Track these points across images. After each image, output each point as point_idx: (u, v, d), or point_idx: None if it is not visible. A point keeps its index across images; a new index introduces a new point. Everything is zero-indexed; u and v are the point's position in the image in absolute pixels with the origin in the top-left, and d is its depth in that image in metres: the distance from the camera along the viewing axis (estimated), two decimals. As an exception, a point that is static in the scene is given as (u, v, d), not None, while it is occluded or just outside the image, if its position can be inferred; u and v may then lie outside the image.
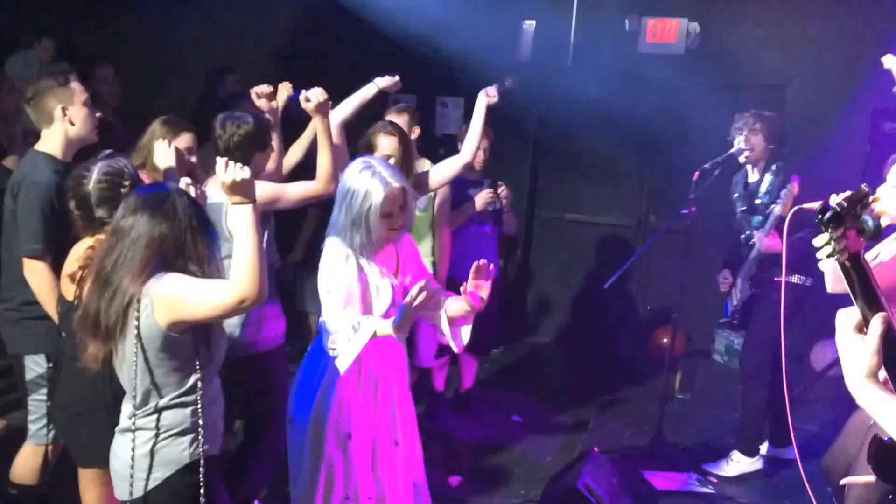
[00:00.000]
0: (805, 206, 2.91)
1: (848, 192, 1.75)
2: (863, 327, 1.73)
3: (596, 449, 4.54)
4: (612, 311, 7.21)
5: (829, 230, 1.72)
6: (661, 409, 5.40)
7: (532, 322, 7.91)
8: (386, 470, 3.43)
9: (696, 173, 4.97)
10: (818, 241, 1.74)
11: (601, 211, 7.59)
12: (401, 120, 5.00)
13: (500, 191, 5.37)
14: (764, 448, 5.29)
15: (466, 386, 5.88)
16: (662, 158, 7.17)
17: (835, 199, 1.75)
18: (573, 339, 7.61)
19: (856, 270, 1.73)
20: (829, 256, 1.74)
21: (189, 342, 2.56)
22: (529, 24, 6.83)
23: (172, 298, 2.49)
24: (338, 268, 3.24)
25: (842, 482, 2.54)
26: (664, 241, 5.47)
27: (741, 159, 5.01)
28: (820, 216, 1.73)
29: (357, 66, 7.02)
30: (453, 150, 4.93)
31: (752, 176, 5.10)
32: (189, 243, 2.56)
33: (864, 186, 1.75)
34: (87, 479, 3.24)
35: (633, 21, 6.68)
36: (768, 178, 4.96)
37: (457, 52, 6.38)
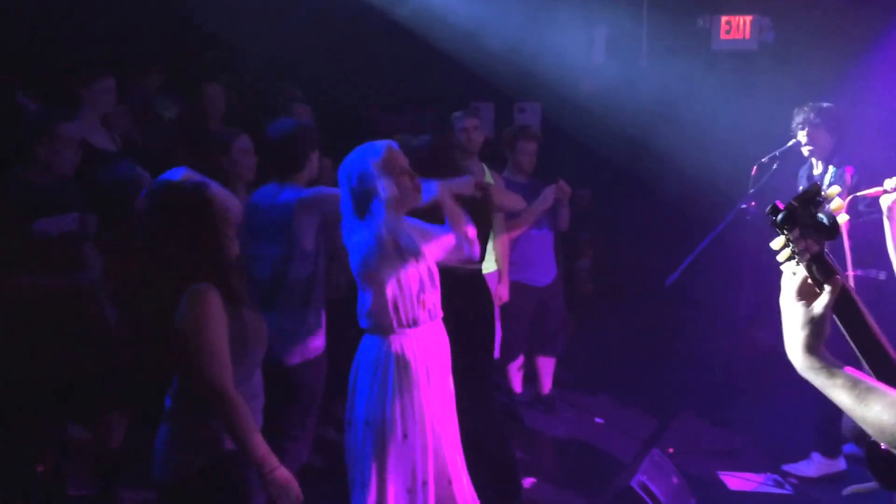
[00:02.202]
0: (860, 193, 2.86)
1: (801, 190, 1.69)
2: (811, 292, 1.59)
3: (671, 450, 4.55)
4: (680, 308, 7.11)
5: (785, 232, 1.60)
6: (740, 407, 5.34)
7: (603, 320, 7.86)
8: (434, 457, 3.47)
9: (755, 168, 4.92)
10: (775, 244, 1.64)
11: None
12: (472, 125, 5.13)
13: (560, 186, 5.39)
14: (847, 448, 5.15)
15: (546, 388, 5.96)
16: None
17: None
18: (645, 338, 7.51)
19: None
20: (788, 260, 1.63)
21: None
22: (601, 28, 6.87)
23: None
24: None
25: (845, 492, 2.42)
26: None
27: (804, 152, 4.93)
28: (773, 218, 1.61)
29: (433, 76, 7.27)
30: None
31: (817, 168, 4.99)
32: None
33: (816, 183, 1.67)
34: None
35: (705, 19, 6.64)
36: (832, 169, 4.86)
37: (533, 58, 6.48)
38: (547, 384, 5.95)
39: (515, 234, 5.37)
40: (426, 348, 3.48)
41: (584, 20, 6.89)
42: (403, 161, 3.41)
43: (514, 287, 5.46)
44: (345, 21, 7.10)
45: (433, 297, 3.51)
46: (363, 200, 3.37)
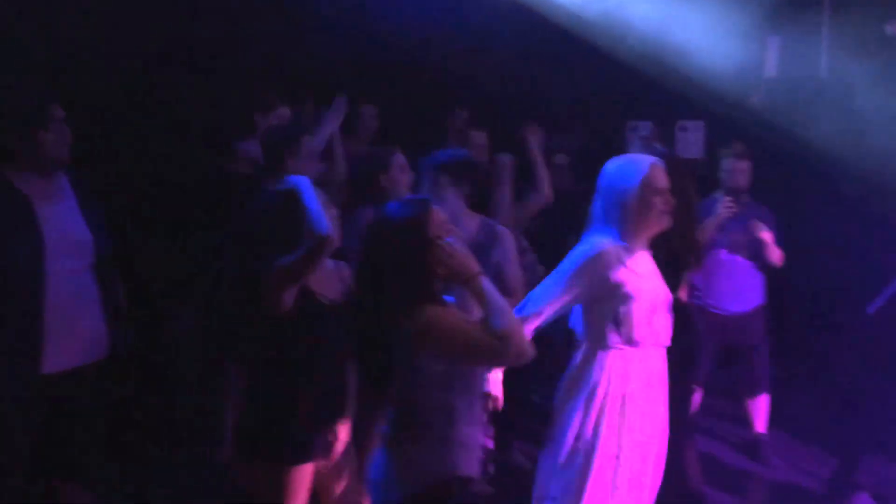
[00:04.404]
0: None
1: None
2: None
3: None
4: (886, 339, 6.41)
5: None
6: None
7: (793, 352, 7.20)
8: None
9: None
10: None
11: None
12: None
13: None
14: None
15: (759, 429, 5.48)
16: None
17: None
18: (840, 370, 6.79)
19: None
20: None
21: None
22: (774, 38, 6.37)
23: None
24: None
25: None
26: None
27: None
28: None
29: (592, 93, 6.93)
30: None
31: None
32: None
33: None
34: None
35: (894, 25, 6.05)
36: None
37: (695, 73, 6.09)
38: (760, 424, 5.45)
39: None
40: (645, 371, 3.25)
41: (754, 30, 6.43)
42: (663, 182, 3.22)
43: (699, 311, 5.03)
44: (514, 40, 6.86)
45: (663, 322, 3.29)
46: (610, 211, 3.24)
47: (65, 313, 3.38)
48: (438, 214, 2.61)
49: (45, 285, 3.32)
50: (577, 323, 3.31)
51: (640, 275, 3.22)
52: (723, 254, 5.13)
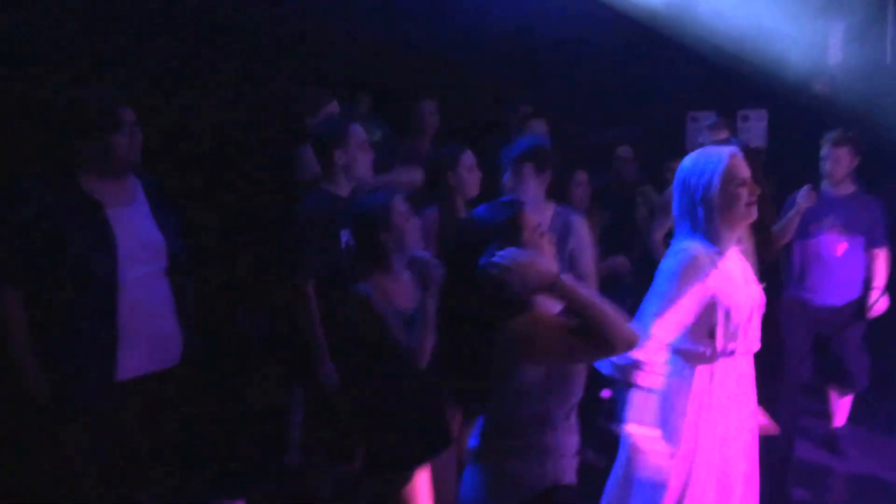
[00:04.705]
0: None
1: None
2: None
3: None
4: None
5: None
6: None
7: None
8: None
9: None
10: None
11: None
12: (723, 135, 4.77)
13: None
14: None
15: (838, 423, 5.35)
16: None
17: None
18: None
19: None
20: None
21: None
22: (837, 23, 6.19)
23: None
24: None
25: None
26: None
27: None
28: None
29: (652, 83, 6.78)
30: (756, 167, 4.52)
31: None
32: None
33: None
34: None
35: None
36: None
37: (757, 61, 5.93)
38: (840, 419, 5.32)
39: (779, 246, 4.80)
40: (736, 380, 3.12)
41: (816, 14, 6.25)
42: (745, 171, 3.06)
43: (788, 303, 4.92)
44: (571, 29, 6.73)
45: (756, 327, 3.14)
46: (693, 209, 3.07)
47: (139, 319, 3.34)
48: (530, 217, 2.52)
49: (118, 291, 3.28)
50: None
51: (735, 281, 3.08)
52: (820, 244, 4.99)
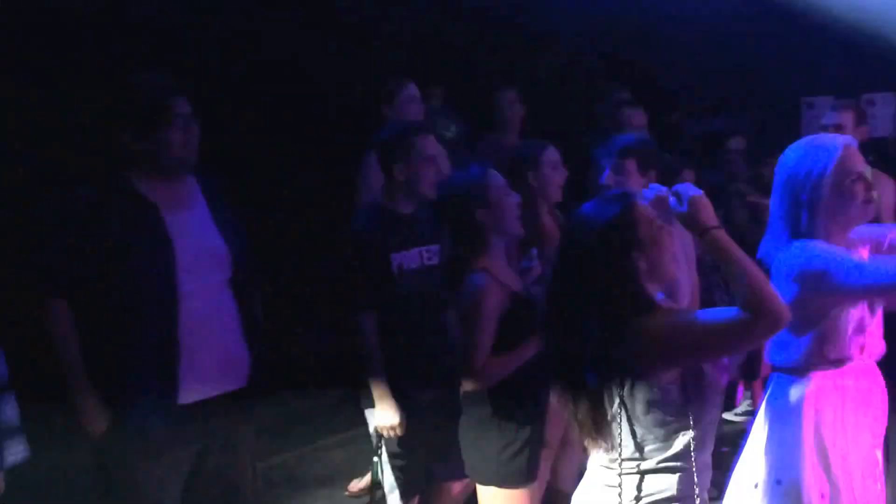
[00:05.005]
0: None
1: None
2: None
3: None
4: None
5: None
6: None
7: None
8: None
9: None
10: None
11: None
12: (846, 119, 4.39)
13: None
14: None
15: None
16: None
17: None
18: None
19: None
20: None
21: None
22: None
23: None
24: None
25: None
26: None
27: None
28: None
29: (764, 67, 6.25)
30: (883, 158, 4.04)
31: None
32: None
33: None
34: None
35: None
36: None
37: (882, 38, 5.41)
38: None
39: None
40: (859, 391, 2.88)
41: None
42: (860, 164, 2.79)
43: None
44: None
45: (876, 330, 2.90)
46: (796, 210, 2.82)
47: (201, 335, 3.00)
48: (646, 211, 2.25)
49: (179, 304, 2.96)
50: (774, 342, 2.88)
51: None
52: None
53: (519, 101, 5.64)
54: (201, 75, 4.67)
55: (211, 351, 3.03)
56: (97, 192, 3.00)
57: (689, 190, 2.21)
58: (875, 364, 2.96)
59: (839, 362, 2.84)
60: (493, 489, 3.05)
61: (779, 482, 2.85)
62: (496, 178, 3.10)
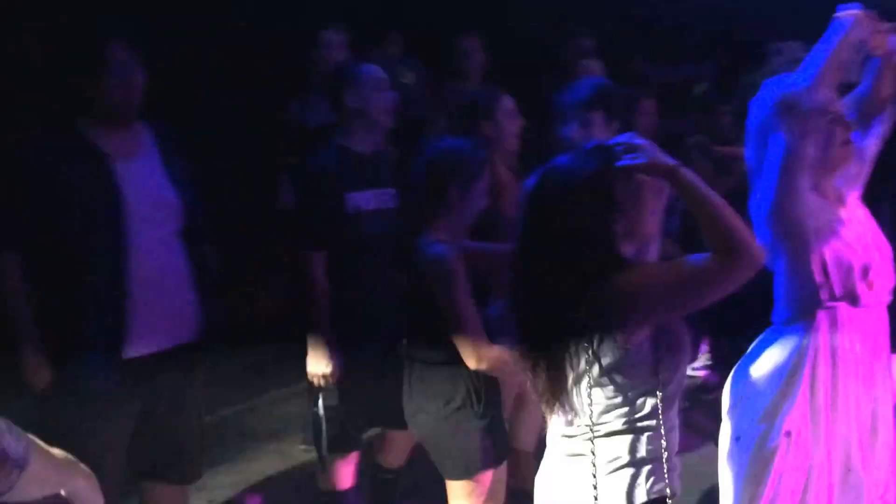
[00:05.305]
0: None
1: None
2: None
3: None
4: None
5: None
6: None
7: None
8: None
9: None
10: None
11: None
12: None
13: None
14: None
15: None
16: None
17: None
18: None
19: None
20: None
21: None
22: None
23: None
24: None
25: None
26: None
27: None
28: None
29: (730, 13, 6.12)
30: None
31: None
32: None
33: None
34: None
35: None
36: None
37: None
38: None
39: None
40: (866, 338, 2.78)
41: None
42: (835, 104, 2.69)
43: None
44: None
45: (886, 272, 2.80)
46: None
47: (150, 288, 2.92)
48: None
49: (128, 256, 2.88)
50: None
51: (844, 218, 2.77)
52: None
53: (480, 48, 5.50)
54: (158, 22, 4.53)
55: (161, 303, 2.95)
56: (45, 140, 2.92)
57: (636, 139, 2.07)
58: (884, 307, 2.85)
59: (851, 298, 2.74)
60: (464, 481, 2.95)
61: (772, 428, 2.76)
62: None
